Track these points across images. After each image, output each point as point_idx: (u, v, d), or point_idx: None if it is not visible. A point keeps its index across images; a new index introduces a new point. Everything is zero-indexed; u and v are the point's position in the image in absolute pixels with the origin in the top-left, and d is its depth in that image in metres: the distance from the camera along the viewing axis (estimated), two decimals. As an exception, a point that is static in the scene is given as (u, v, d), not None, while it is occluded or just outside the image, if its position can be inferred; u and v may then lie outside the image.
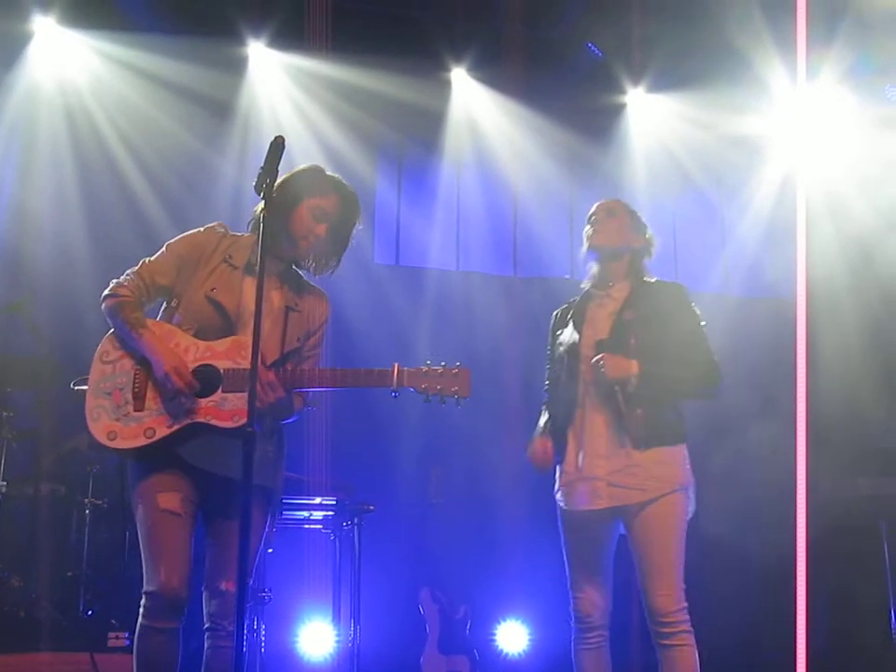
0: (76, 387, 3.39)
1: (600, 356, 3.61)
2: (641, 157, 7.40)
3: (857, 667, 5.86)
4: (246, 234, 3.40)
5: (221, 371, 3.12)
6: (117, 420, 3.12)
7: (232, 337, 3.17)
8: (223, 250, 3.30)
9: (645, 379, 3.60)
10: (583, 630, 3.69)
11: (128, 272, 3.30)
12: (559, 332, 3.93)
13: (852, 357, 6.17)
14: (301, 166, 3.42)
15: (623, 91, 7.29)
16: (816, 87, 6.25)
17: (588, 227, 3.91)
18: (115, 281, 3.29)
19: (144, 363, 3.17)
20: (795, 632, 2.63)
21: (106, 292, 3.27)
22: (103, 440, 3.12)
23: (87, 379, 3.21)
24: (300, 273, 3.46)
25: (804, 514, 2.70)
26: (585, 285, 3.95)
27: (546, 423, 3.88)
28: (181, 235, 3.37)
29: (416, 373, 3.12)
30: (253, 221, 3.38)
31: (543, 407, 3.97)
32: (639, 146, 7.40)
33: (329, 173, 3.41)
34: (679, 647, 3.50)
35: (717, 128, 7.10)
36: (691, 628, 3.53)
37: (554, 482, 3.81)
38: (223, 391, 3.10)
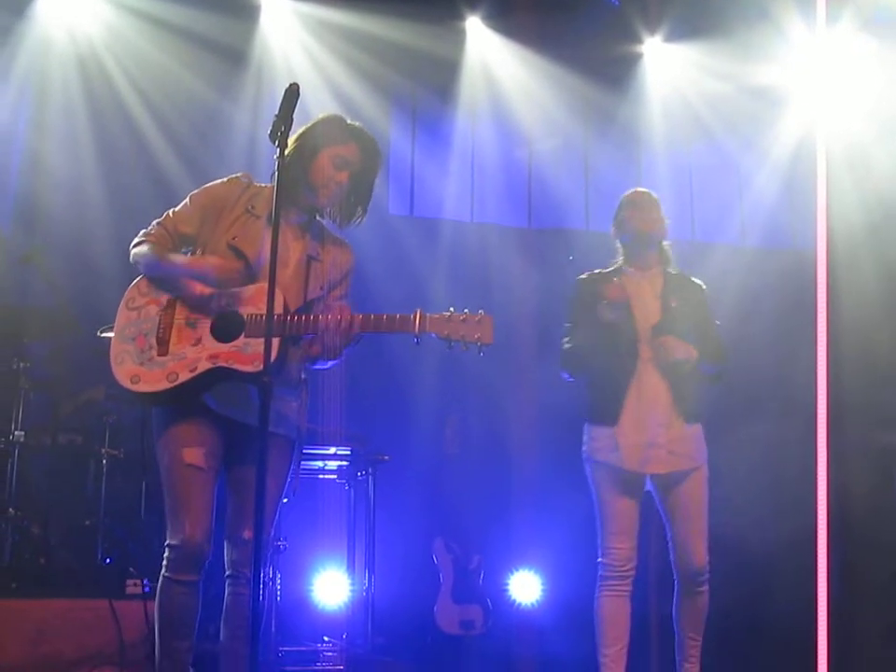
0: (102, 334, 3.40)
1: (665, 338, 4.03)
2: (658, 107, 7.32)
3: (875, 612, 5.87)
4: (269, 185, 3.38)
5: (245, 316, 3.13)
6: (140, 364, 3.13)
7: (258, 283, 3.17)
8: (246, 200, 3.31)
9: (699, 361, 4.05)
10: (612, 578, 4.06)
11: (154, 222, 3.33)
12: (605, 302, 4.09)
13: (872, 307, 6.12)
14: (321, 115, 3.40)
15: (639, 41, 7.19)
16: (836, 33, 6.13)
17: (629, 212, 4.24)
18: (142, 230, 3.31)
19: (169, 308, 3.19)
20: (816, 584, 2.64)
21: (135, 240, 3.30)
22: (126, 383, 3.13)
23: (112, 327, 3.23)
24: (323, 224, 3.46)
25: (824, 467, 2.69)
26: (617, 263, 4.30)
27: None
28: (204, 186, 3.38)
29: (439, 319, 3.11)
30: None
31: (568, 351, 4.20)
32: (656, 95, 7.31)
33: (349, 121, 3.39)
34: (703, 593, 4.08)
35: (734, 77, 6.99)
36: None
37: (592, 440, 4.16)
38: (246, 336, 3.11)
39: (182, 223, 3.31)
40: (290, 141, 3.29)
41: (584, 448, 4.17)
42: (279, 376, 3.15)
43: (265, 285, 3.12)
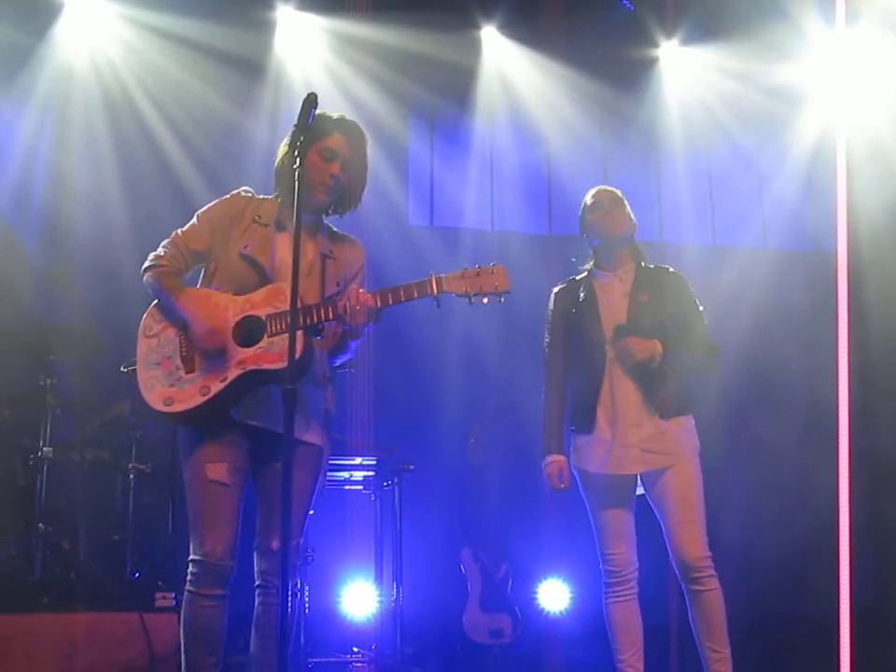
0: (126, 369, 3.43)
1: (626, 339, 3.97)
2: (676, 110, 7.30)
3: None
4: (271, 197, 3.44)
5: (264, 317, 3.16)
6: (171, 386, 3.17)
7: (269, 285, 3.21)
8: (251, 211, 3.36)
9: (665, 357, 3.95)
10: (615, 584, 4.02)
11: (163, 243, 3.37)
12: (573, 311, 4.17)
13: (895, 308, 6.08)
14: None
15: (655, 45, 7.18)
16: (855, 32, 6.10)
17: (594, 215, 4.21)
18: (153, 253, 3.35)
19: (187, 328, 3.22)
20: (839, 577, 2.62)
21: (146, 264, 3.35)
22: (160, 406, 3.16)
23: (135, 360, 3.26)
24: (331, 225, 3.50)
25: (846, 468, 2.67)
26: (588, 266, 4.26)
27: (553, 429, 4.14)
28: (209, 204, 3.43)
29: (454, 278, 3.14)
30: (276, 182, 3.43)
31: (546, 392, 4.21)
32: (674, 99, 7.30)
33: (326, 114, 3.39)
34: (708, 591, 3.89)
35: (752, 78, 6.97)
36: (715, 574, 3.91)
37: (575, 450, 4.13)
38: (269, 336, 3.14)
39: (192, 241, 3.35)
40: (280, 149, 3.34)
41: (571, 458, 4.14)
42: (306, 374, 3.17)
43: (277, 285, 3.18)
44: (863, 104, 6.23)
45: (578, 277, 4.28)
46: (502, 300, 3.17)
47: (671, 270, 4.23)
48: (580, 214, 4.32)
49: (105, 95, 6.49)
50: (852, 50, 6.15)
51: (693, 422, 4.09)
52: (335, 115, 3.41)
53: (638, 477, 4.04)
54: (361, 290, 3.15)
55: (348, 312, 3.09)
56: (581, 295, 4.19)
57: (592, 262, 4.26)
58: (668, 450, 3.96)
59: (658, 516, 4.03)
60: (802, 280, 6.93)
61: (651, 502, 4.05)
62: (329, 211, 3.48)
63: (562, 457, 4.09)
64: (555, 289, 4.32)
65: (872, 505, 5.97)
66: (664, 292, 4.11)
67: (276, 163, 3.42)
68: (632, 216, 4.22)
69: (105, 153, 6.48)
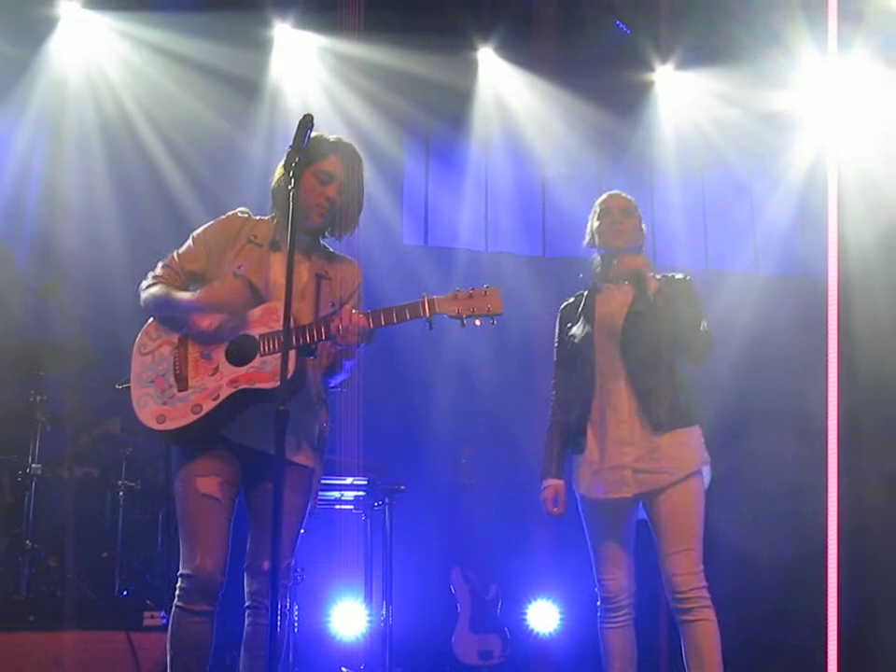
0: (120, 387, 3.44)
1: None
2: (670, 134, 7.34)
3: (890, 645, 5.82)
4: (267, 218, 3.46)
5: (257, 336, 3.17)
6: (164, 404, 3.17)
7: (264, 304, 3.22)
8: (247, 232, 3.37)
9: (661, 368, 3.79)
10: (610, 610, 3.86)
11: (160, 264, 3.39)
12: (569, 325, 4.05)
13: (884, 335, 6.11)
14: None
15: (651, 69, 7.21)
16: (848, 61, 6.15)
17: (602, 222, 4.01)
18: (150, 273, 3.36)
19: (182, 345, 3.23)
20: (826, 611, 2.62)
21: (144, 283, 3.35)
22: (152, 424, 3.17)
23: (128, 379, 3.27)
24: (327, 246, 3.51)
25: (835, 496, 2.68)
26: (594, 274, 4.08)
27: (554, 452, 3.99)
28: (205, 225, 3.44)
29: (447, 300, 3.16)
30: (272, 203, 3.43)
31: (549, 418, 4.05)
32: (668, 123, 7.33)
33: (323, 136, 3.39)
34: (699, 622, 3.66)
35: (746, 104, 7.02)
36: (711, 604, 3.68)
37: (572, 471, 3.96)
38: (261, 355, 3.15)
39: (188, 262, 3.36)
40: (277, 170, 3.35)
41: (573, 481, 3.99)
42: (299, 395, 3.18)
43: (272, 304, 3.19)
44: (855, 131, 6.27)
45: (583, 292, 4.10)
46: (494, 322, 3.18)
47: (678, 276, 3.99)
48: (589, 217, 4.12)
49: (100, 110, 6.49)
50: (845, 78, 6.20)
51: (698, 433, 3.85)
52: (332, 137, 3.42)
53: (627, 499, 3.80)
54: (354, 311, 3.15)
55: (340, 332, 3.10)
56: (581, 307, 4.04)
57: (597, 272, 4.07)
58: (664, 468, 3.73)
59: (654, 540, 3.84)
60: (792, 304, 6.95)
61: (648, 524, 3.86)
62: (326, 233, 3.48)
63: (559, 482, 3.94)
64: (562, 305, 4.16)
65: (859, 527, 5.97)
66: (667, 302, 3.82)
67: (273, 184, 3.43)
68: (643, 226, 4.04)
69: (98, 168, 6.48)
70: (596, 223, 4.04)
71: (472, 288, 3.17)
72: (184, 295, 3.27)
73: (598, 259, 4.07)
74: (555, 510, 3.94)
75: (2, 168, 6.35)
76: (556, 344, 4.11)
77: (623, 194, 4.10)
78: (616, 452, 3.79)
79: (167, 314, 3.28)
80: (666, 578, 3.73)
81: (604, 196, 4.12)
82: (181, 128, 6.61)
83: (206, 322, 3.19)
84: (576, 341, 3.97)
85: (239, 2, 6.37)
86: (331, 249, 3.52)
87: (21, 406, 5.38)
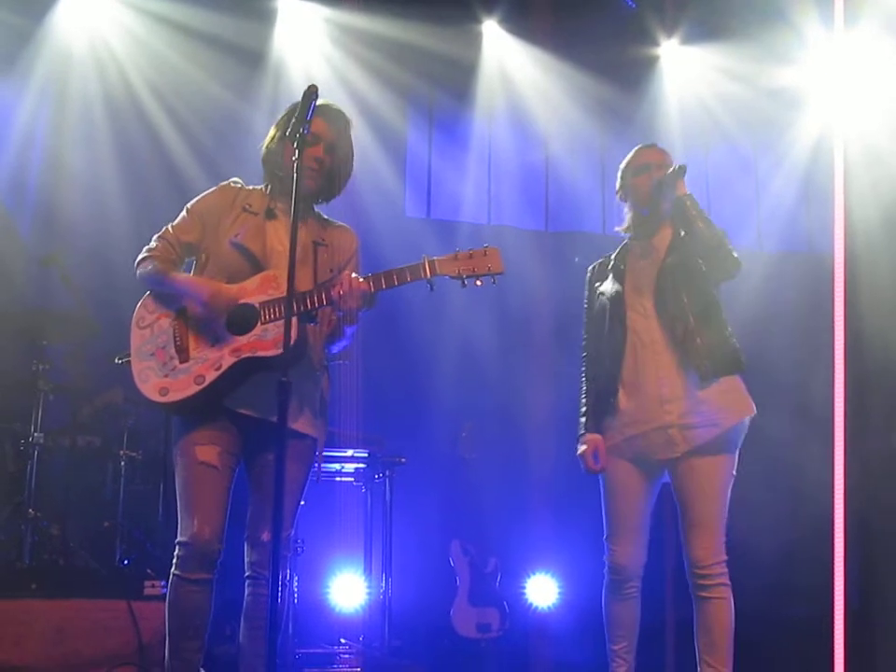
0: (120, 361, 3.43)
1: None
2: (675, 109, 7.31)
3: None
4: (259, 186, 3.45)
5: (257, 305, 3.16)
6: (165, 376, 3.17)
7: (261, 273, 3.21)
8: (241, 200, 3.37)
9: (698, 322, 3.63)
10: (617, 581, 3.74)
11: (154, 237, 3.38)
12: (598, 284, 3.93)
13: (890, 311, 6.09)
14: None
15: (656, 43, 7.19)
16: (854, 35, 6.10)
17: (637, 178, 3.86)
18: (145, 247, 3.36)
19: (180, 317, 3.23)
20: (832, 584, 2.63)
21: (139, 258, 3.35)
22: (155, 397, 3.17)
23: (128, 353, 3.26)
24: (321, 213, 3.49)
25: (841, 471, 2.68)
26: (624, 229, 3.95)
27: (589, 407, 3.83)
28: (199, 196, 3.43)
29: (447, 260, 3.15)
30: (264, 171, 3.42)
31: (583, 377, 3.91)
32: (673, 98, 7.30)
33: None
34: (715, 599, 3.56)
35: (752, 79, 6.98)
36: (728, 581, 3.58)
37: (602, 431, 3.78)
38: (262, 323, 3.15)
39: (184, 233, 3.35)
40: (267, 138, 3.37)
41: None
42: (301, 362, 3.18)
43: (269, 272, 3.18)
44: (861, 107, 6.23)
45: (611, 254, 3.97)
46: (495, 281, 3.16)
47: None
48: (619, 172, 3.96)
49: (104, 80, 6.47)
50: (851, 53, 6.15)
51: (740, 382, 3.70)
52: (319, 101, 3.40)
53: (659, 462, 3.68)
54: (354, 275, 3.15)
55: (342, 297, 3.09)
56: (611, 265, 3.92)
57: (628, 226, 3.94)
58: (709, 420, 3.58)
59: (677, 506, 3.72)
60: (797, 280, 6.94)
61: (672, 487, 3.73)
62: (320, 199, 3.46)
63: (597, 436, 3.75)
64: (590, 266, 4.03)
65: (863, 507, 5.98)
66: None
67: (263, 152, 3.41)
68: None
69: (102, 138, 6.47)
70: (630, 179, 3.90)
71: (472, 249, 3.16)
72: (177, 278, 3.25)
73: (630, 214, 3.93)
74: (596, 466, 3.75)
75: (6, 138, 6.32)
76: (585, 305, 4.00)
77: (659, 148, 3.96)
78: (658, 411, 3.63)
79: (162, 291, 3.28)
80: (685, 548, 3.62)
81: (637, 148, 3.97)
82: (184, 98, 6.59)
83: (199, 309, 3.18)
84: (605, 298, 3.85)
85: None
86: (325, 216, 3.50)
87: (24, 375, 5.38)
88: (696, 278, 3.72)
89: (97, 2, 6.42)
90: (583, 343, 3.97)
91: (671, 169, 3.76)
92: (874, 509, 5.80)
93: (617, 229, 4.01)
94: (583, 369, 3.93)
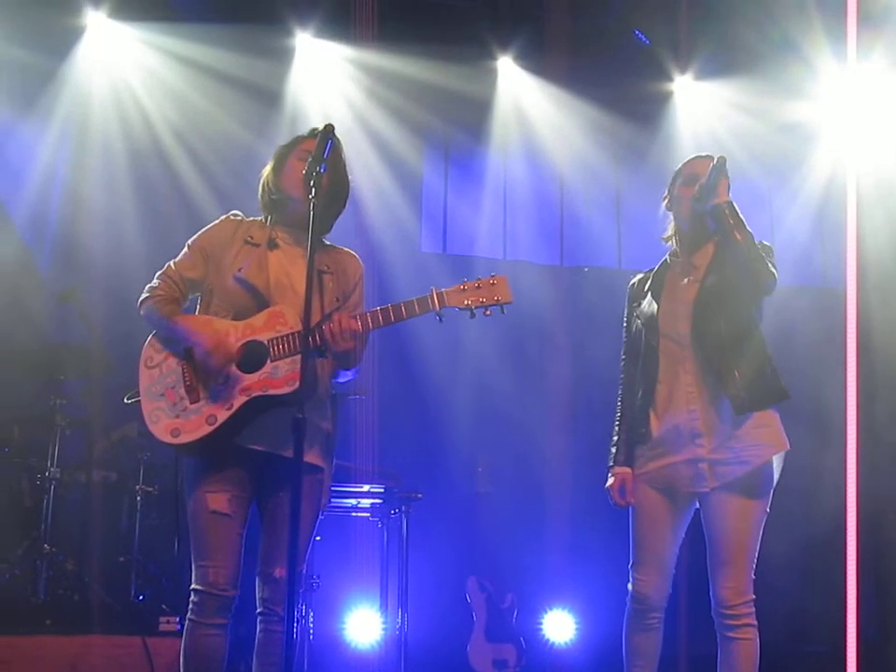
0: (129, 401, 3.43)
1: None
2: (689, 144, 7.32)
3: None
4: (258, 218, 3.45)
5: (266, 342, 3.15)
6: (176, 417, 3.14)
7: (267, 309, 3.20)
8: (243, 233, 3.36)
9: (737, 345, 3.52)
10: (639, 610, 3.63)
11: (157, 275, 3.37)
12: (636, 304, 3.79)
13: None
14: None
15: (670, 79, 7.22)
16: (866, 71, 6.13)
17: (684, 190, 3.71)
18: (147, 286, 3.34)
19: (188, 358, 3.20)
20: (846, 623, 2.61)
21: (142, 297, 3.33)
22: (167, 438, 3.14)
23: (137, 391, 3.24)
24: (325, 241, 3.46)
25: (854, 510, 2.67)
26: (666, 238, 3.82)
27: (620, 438, 3.72)
28: (200, 231, 3.43)
29: (455, 291, 3.15)
30: (260, 203, 3.43)
31: (619, 402, 3.79)
32: (687, 133, 7.33)
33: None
34: (740, 640, 3.45)
35: (765, 114, 7.01)
36: (754, 622, 3.47)
37: (634, 460, 3.68)
38: (272, 360, 3.13)
39: (186, 270, 3.34)
40: (265, 171, 3.41)
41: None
42: (311, 395, 3.17)
43: (275, 308, 3.17)
44: (874, 141, 6.25)
45: (652, 269, 3.81)
46: (504, 311, 3.16)
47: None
48: (670, 179, 3.80)
49: (123, 119, 6.55)
50: (863, 88, 6.18)
51: (775, 416, 3.57)
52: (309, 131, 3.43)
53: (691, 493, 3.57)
54: (345, 316, 3.14)
55: (333, 338, 3.09)
56: (648, 283, 3.76)
57: (668, 238, 3.80)
58: (739, 457, 3.46)
59: (707, 540, 3.59)
60: (811, 315, 6.92)
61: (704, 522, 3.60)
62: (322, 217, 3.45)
63: (627, 470, 3.64)
64: (630, 282, 3.88)
65: (874, 536, 5.94)
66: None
67: (260, 190, 3.42)
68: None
69: (121, 176, 6.55)
70: (678, 191, 3.74)
71: (479, 278, 3.16)
72: (181, 324, 3.22)
73: (673, 224, 3.80)
74: (622, 500, 3.64)
75: (27, 175, 6.41)
76: (624, 323, 3.85)
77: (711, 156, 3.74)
78: (689, 444, 3.51)
79: (165, 335, 3.26)
80: (714, 587, 3.51)
81: (690, 159, 3.82)
82: (203, 136, 6.66)
83: (204, 357, 3.14)
84: (640, 322, 3.71)
85: (261, 11, 6.41)
86: (328, 243, 3.48)
87: (42, 410, 5.43)
88: (734, 301, 3.59)
89: (118, 42, 6.52)
90: (622, 363, 3.84)
91: (711, 163, 3.58)
92: (887, 544, 5.76)
93: (661, 238, 3.86)
94: (620, 392, 3.81)
